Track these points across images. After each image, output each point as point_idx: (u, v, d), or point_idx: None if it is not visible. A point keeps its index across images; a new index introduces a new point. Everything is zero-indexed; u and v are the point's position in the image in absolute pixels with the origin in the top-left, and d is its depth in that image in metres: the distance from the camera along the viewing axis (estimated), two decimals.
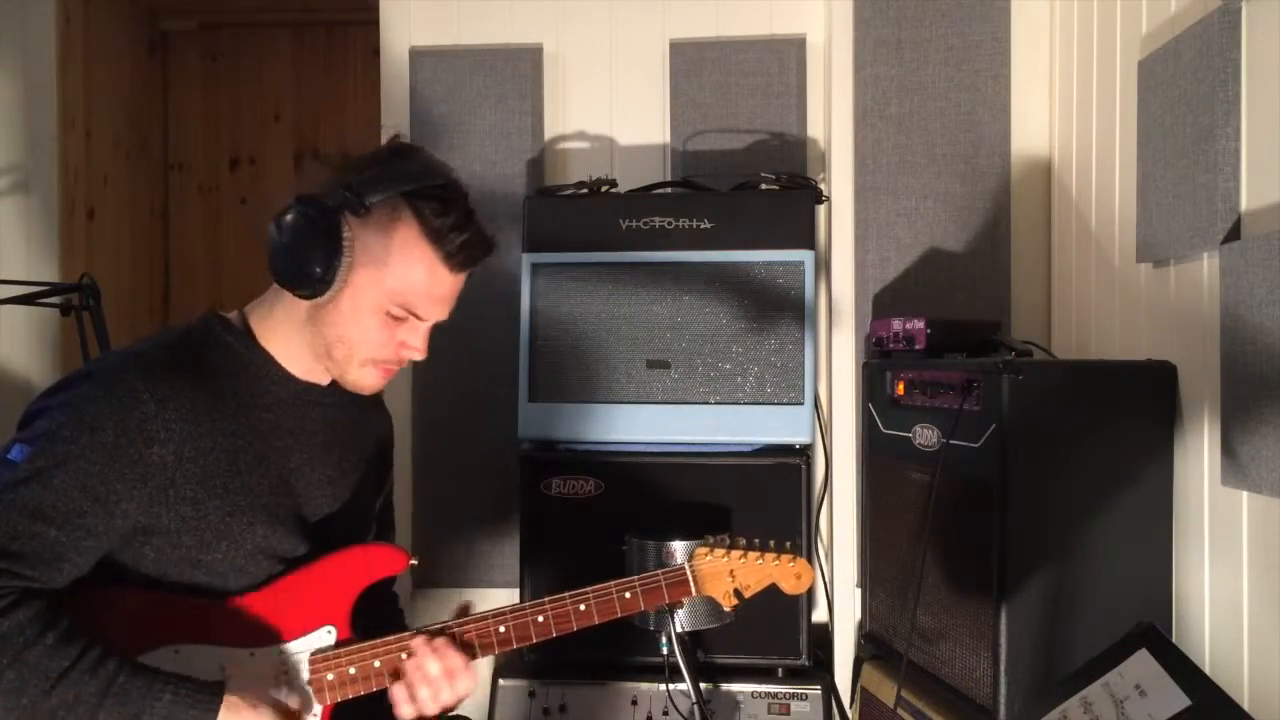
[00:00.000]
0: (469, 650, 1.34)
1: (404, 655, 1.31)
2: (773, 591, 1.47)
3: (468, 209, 1.32)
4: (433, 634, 1.33)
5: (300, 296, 1.30)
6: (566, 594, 1.39)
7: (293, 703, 1.29)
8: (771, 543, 1.48)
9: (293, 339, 1.36)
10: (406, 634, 1.33)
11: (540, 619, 1.37)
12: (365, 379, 1.36)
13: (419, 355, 1.36)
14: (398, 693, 1.30)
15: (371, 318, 1.31)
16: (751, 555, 1.45)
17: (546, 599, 1.39)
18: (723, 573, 1.45)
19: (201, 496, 1.25)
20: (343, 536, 1.40)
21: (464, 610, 1.39)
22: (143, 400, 1.22)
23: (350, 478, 1.46)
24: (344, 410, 1.46)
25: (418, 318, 1.33)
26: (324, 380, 1.42)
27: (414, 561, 1.38)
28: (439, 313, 1.35)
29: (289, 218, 1.28)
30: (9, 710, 1.13)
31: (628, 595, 1.41)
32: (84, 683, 1.14)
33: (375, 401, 1.59)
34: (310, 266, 1.26)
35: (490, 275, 2.33)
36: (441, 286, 1.33)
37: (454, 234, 1.29)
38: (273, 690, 1.28)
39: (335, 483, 1.43)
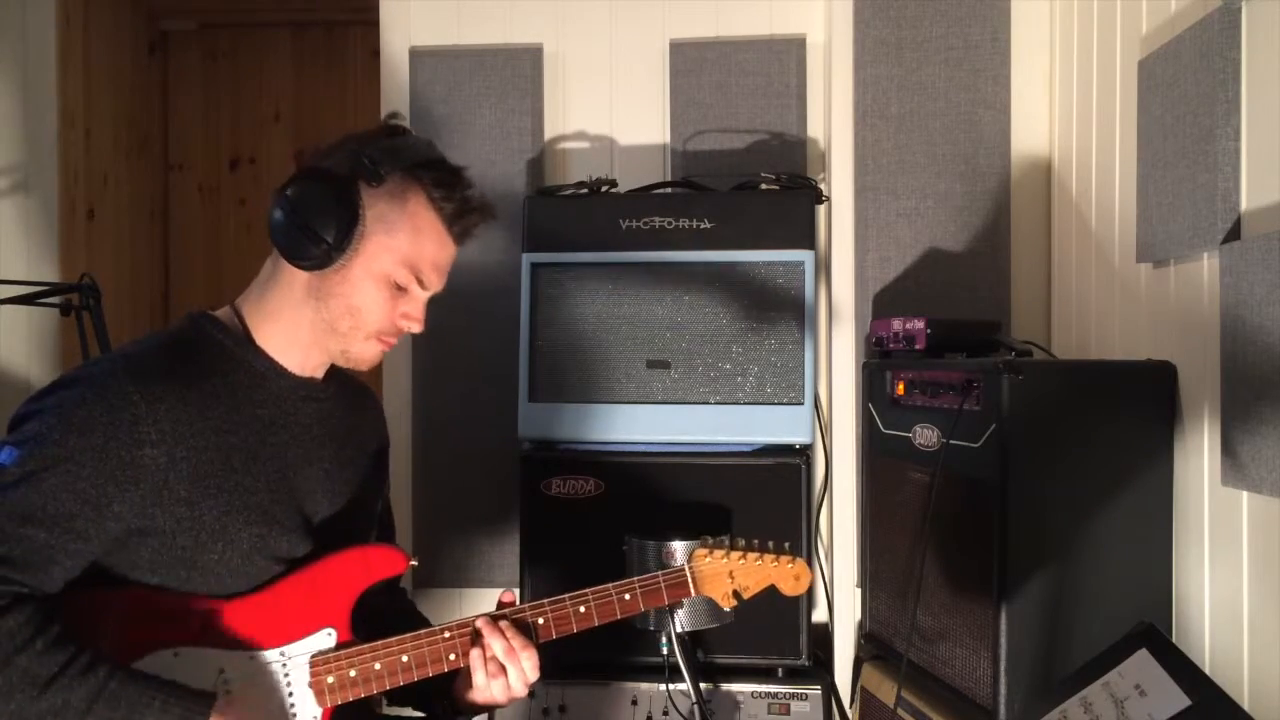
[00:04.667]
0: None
1: (405, 657, 1.32)
2: (772, 592, 1.47)
3: (468, 181, 1.39)
4: (495, 617, 1.35)
5: (305, 268, 1.31)
6: (566, 596, 1.39)
7: (291, 707, 1.29)
8: (771, 544, 1.47)
9: (289, 326, 1.36)
10: (408, 635, 1.33)
11: (540, 621, 1.37)
12: (368, 352, 1.38)
13: (418, 327, 1.39)
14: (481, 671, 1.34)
15: (379, 288, 1.33)
16: (751, 556, 1.45)
17: (546, 601, 1.39)
18: (722, 574, 1.45)
19: (196, 497, 1.25)
20: (344, 535, 1.39)
21: (501, 605, 1.39)
22: (133, 402, 1.21)
23: (348, 472, 1.46)
24: (340, 406, 1.46)
25: (422, 286, 1.37)
26: (319, 374, 1.42)
27: (414, 562, 1.39)
28: (439, 282, 1.40)
29: (302, 188, 1.30)
30: None
31: (627, 597, 1.41)
32: (73, 688, 1.13)
33: (371, 403, 1.59)
34: (324, 234, 1.28)
35: (490, 275, 2.34)
36: (447, 255, 1.39)
37: (459, 203, 1.36)
38: (272, 694, 1.28)
39: (333, 477, 1.42)
